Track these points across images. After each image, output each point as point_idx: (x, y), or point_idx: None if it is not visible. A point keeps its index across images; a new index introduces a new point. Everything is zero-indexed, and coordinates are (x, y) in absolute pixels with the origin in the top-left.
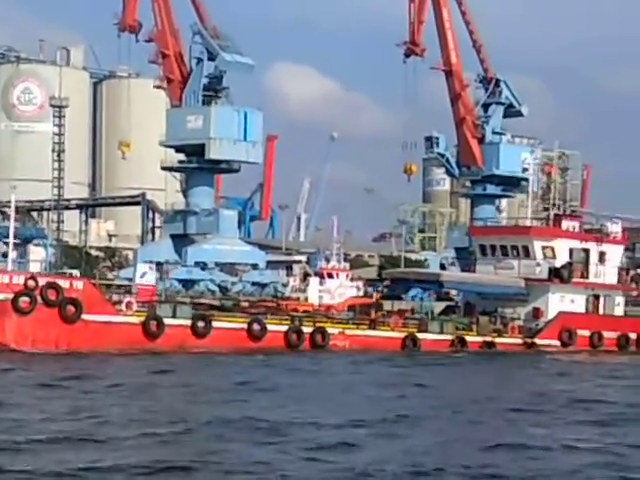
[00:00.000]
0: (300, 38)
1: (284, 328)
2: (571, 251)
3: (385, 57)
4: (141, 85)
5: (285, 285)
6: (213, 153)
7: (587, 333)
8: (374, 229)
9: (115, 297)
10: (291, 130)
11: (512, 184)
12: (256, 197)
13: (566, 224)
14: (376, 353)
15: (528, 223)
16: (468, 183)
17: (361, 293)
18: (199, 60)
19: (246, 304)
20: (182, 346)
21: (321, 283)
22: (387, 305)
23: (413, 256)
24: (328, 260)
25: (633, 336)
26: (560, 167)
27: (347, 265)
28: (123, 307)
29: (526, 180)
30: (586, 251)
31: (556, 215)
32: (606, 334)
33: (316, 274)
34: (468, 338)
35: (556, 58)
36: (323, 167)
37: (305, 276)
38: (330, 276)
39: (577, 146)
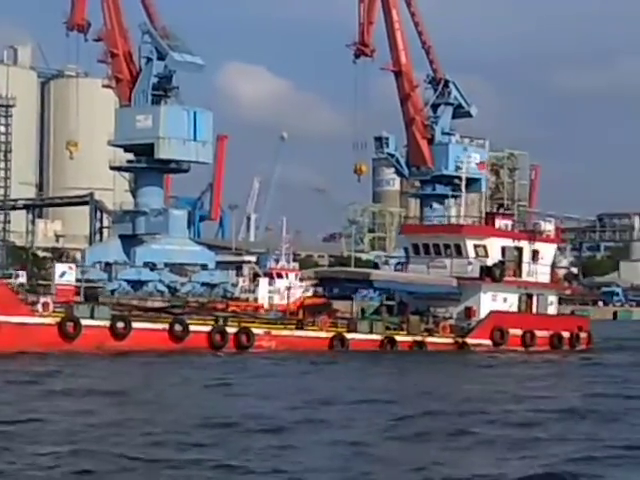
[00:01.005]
0: (252, 38)
1: (207, 329)
2: (503, 250)
3: (336, 57)
4: (90, 84)
5: (235, 285)
6: (162, 153)
7: (519, 332)
8: (324, 229)
9: (33, 298)
10: (242, 130)
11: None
12: (206, 197)
13: (499, 222)
14: (303, 354)
15: (462, 222)
16: (418, 183)
17: (310, 293)
18: (148, 59)
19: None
20: (100, 347)
21: (270, 283)
22: (337, 305)
23: (363, 256)
24: (277, 260)
25: (566, 335)
26: (509, 167)
27: (296, 265)
28: (39, 308)
29: (477, 180)
30: (519, 250)
31: (489, 213)
32: (538, 333)
33: (265, 274)
34: (398, 338)
35: (505, 59)
36: (273, 167)
37: (255, 276)
38: (279, 276)
39: (525, 146)
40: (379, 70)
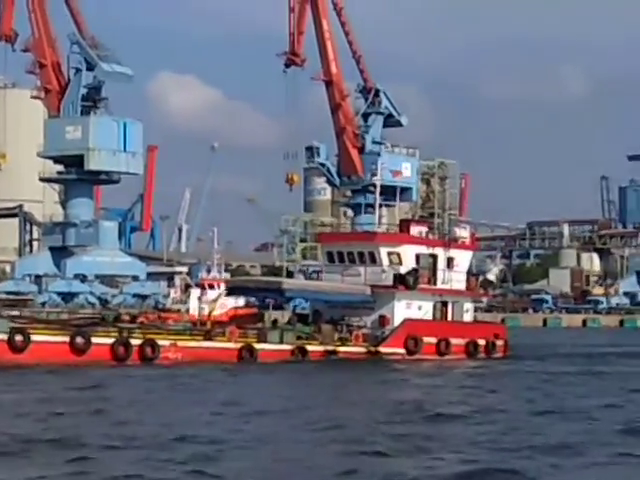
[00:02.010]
0: (182, 47)
1: (110, 341)
2: (418, 257)
3: (266, 67)
4: (17, 95)
5: (166, 296)
6: (92, 164)
7: (434, 340)
8: (256, 239)
9: None
10: (173, 140)
11: (393, 193)
12: (137, 208)
13: (415, 229)
14: (210, 365)
15: (377, 229)
16: (349, 192)
17: (242, 303)
18: (77, 70)
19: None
20: None
21: (202, 294)
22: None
23: (297, 266)
24: (209, 271)
25: (482, 343)
26: (439, 176)
27: (228, 276)
28: None
29: (408, 189)
30: (434, 257)
31: (403, 220)
32: (454, 341)
33: (197, 285)
34: (309, 347)
35: (436, 68)
36: (204, 177)
37: (186, 287)
38: (211, 287)
39: (458, 155)
40: (310, 80)
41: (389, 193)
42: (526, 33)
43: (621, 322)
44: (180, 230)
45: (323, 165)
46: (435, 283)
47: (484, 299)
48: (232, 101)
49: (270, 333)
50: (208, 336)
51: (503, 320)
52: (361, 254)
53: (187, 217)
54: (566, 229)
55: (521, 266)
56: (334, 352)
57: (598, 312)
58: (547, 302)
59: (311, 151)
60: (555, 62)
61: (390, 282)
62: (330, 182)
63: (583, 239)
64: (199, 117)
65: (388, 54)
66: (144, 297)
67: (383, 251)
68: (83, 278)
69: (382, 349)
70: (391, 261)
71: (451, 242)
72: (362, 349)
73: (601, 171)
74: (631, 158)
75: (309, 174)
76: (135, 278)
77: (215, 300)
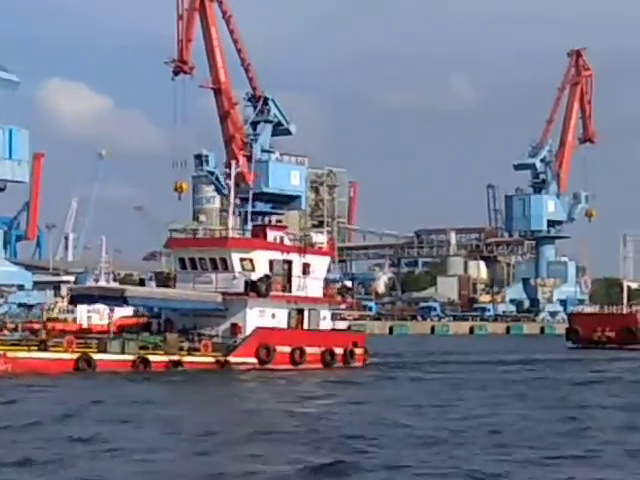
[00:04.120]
0: (71, 54)
1: None
2: (271, 263)
3: (155, 74)
4: None
5: (53, 306)
6: None
7: (287, 349)
8: (144, 248)
9: None
10: (62, 147)
11: (282, 201)
12: (22, 216)
13: (270, 235)
14: (45, 377)
15: (231, 234)
16: (238, 201)
17: (131, 313)
18: None
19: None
20: None
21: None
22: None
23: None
24: (97, 280)
25: (339, 351)
26: (328, 184)
27: (117, 284)
28: None
29: (297, 198)
30: (288, 263)
31: (257, 226)
32: (309, 350)
33: None
34: (152, 358)
35: (328, 78)
36: (92, 185)
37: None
38: None
39: (347, 164)
40: (199, 88)
41: (278, 201)
42: (417, 46)
43: (508, 329)
44: (67, 239)
45: (212, 173)
46: (290, 290)
47: (342, 306)
48: (122, 109)
49: (111, 343)
50: (43, 346)
51: (391, 328)
52: (213, 260)
53: (74, 225)
54: (453, 237)
55: (409, 274)
56: (179, 362)
57: (485, 319)
58: (435, 310)
59: (200, 159)
60: (445, 73)
61: (241, 289)
62: (219, 190)
63: (470, 247)
64: (89, 125)
65: (280, 63)
66: (30, 307)
67: (235, 257)
68: None
69: (232, 359)
70: (243, 267)
71: (307, 248)
72: (210, 359)
73: (488, 180)
74: (517, 167)
75: (198, 182)
76: (21, 287)
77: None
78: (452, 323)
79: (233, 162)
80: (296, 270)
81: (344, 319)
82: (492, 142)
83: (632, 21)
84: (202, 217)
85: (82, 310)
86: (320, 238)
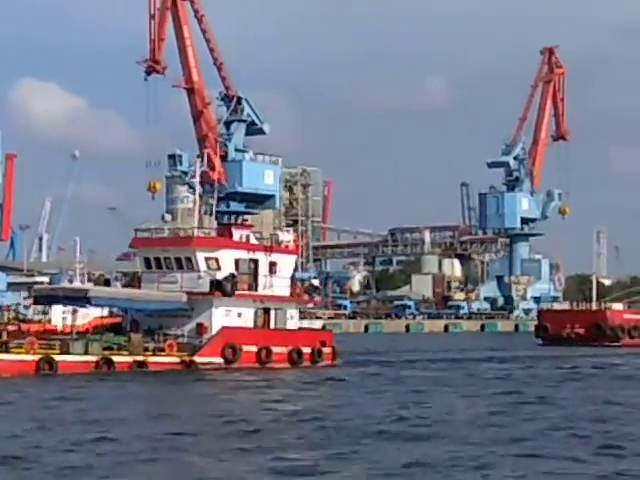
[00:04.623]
0: (43, 54)
1: None
2: (237, 262)
3: (128, 74)
4: None
5: (27, 307)
6: None
7: (254, 349)
8: (118, 248)
9: None
10: (35, 148)
11: (256, 201)
12: None
13: (236, 234)
14: (6, 379)
15: (196, 233)
16: (212, 200)
17: (106, 313)
18: None
19: None
20: None
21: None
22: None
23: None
24: (71, 281)
25: (307, 350)
26: (302, 183)
27: (91, 285)
28: None
29: (271, 197)
30: (255, 262)
31: (222, 225)
32: (276, 349)
33: None
34: (116, 358)
35: (303, 78)
36: (66, 186)
37: None
38: None
39: (322, 163)
40: (172, 87)
41: (252, 201)
42: (390, 46)
43: (482, 327)
44: (41, 240)
45: (185, 173)
46: (256, 289)
47: (309, 305)
48: (95, 109)
49: (74, 344)
50: (4, 348)
51: (367, 326)
52: (178, 260)
53: (48, 226)
54: (427, 236)
55: (384, 272)
56: (144, 363)
57: (460, 317)
58: (410, 308)
59: (174, 159)
60: (420, 72)
61: (206, 289)
62: (193, 190)
63: (444, 245)
64: (62, 125)
65: (253, 63)
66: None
67: (200, 256)
68: None
69: (197, 359)
70: (209, 266)
71: (273, 247)
72: (175, 359)
73: (462, 178)
74: (490, 165)
75: (171, 182)
76: None
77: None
78: (427, 321)
79: (197, 160)
80: (262, 269)
81: (319, 318)
82: (466, 140)
83: (600, 20)
84: (167, 216)
85: (57, 311)
86: (287, 237)
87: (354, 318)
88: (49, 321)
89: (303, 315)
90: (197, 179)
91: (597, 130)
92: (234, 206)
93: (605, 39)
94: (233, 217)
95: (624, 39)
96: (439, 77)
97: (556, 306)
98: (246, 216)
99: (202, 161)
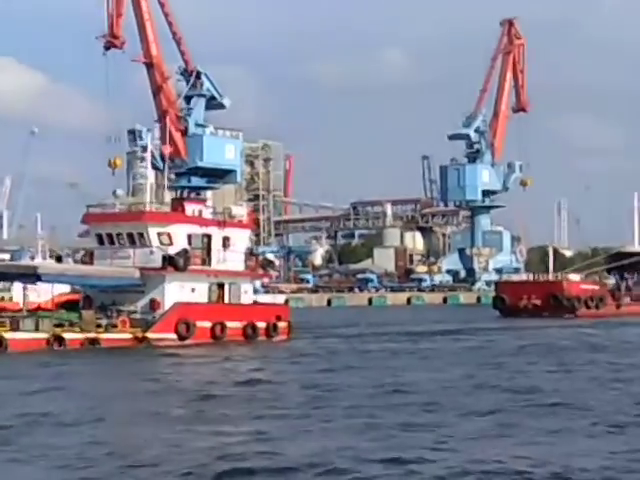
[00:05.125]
0: (2, 30)
1: None
2: (190, 237)
3: (88, 49)
4: None
5: None
6: None
7: (208, 324)
8: (80, 225)
9: None
10: None
11: (217, 175)
12: None
13: (189, 208)
14: None
15: (149, 208)
16: (173, 176)
17: (68, 290)
18: None
19: None
20: None
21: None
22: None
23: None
24: (33, 257)
25: (262, 325)
26: (263, 158)
27: (53, 262)
28: None
29: (232, 172)
30: (208, 236)
31: (175, 199)
32: (230, 324)
33: None
34: (67, 335)
35: (262, 47)
36: (25, 163)
37: None
38: None
39: (283, 137)
40: (131, 62)
41: (213, 175)
42: (350, 21)
43: (444, 299)
44: (1, 217)
45: (145, 148)
46: (210, 264)
47: (265, 280)
48: (54, 84)
49: (24, 321)
50: None
51: (329, 300)
52: (130, 235)
53: (8, 203)
54: (389, 209)
55: (346, 246)
56: (96, 340)
57: (422, 290)
58: (372, 281)
59: (134, 134)
60: (379, 47)
61: (158, 264)
62: (154, 166)
63: (406, 218)
64: (20, 101)
65: (214, 35)
66: None
67: (152, 231)
68: None
69: (150, 335)
70: (161, 242)
71: (226, 221)
72: (128, 335)
73: (423, 151)
74: (451, 137)
75: (132, 158)
76: None
77: None
78: (389, 294)
79: (149, 134)
80: (216, 244)
81: (282, 292)
82: (427, 113)
83: None
84: (119, 191)
85: (18, 288)
86: (240, 211)
87: (317, 292)
88: (11, 299)
89: (267, 290)
90: (149, 153)
91: (557, 101)
92: (195, 181)
93: (567, 10)
94: (195, 192)
95: (586, 11)
96: (399, 50)
97: (514, 277)
98: (208, 191)
99: (155, 135)
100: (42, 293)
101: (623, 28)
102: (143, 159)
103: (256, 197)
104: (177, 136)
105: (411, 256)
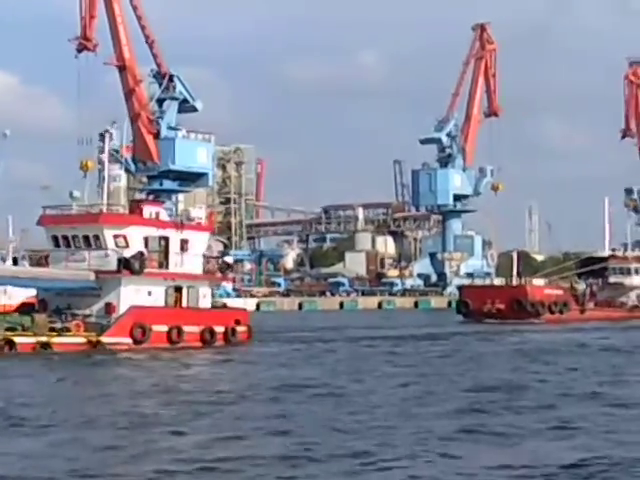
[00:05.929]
0: None
1: None
2: (146, 239)
3: (60, 52)
4: None
5: None
6: None
7: (164, 328)
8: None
9: None
10: None
11: (189, 179)
12: None
13: (146, 210)
14: None
15: (104, 210)
16: (145, 179)
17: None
18: None
19: None
20: None
21: None
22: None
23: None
24: (4, 260)
25: (220, 329)
26: (235, 161)
27: (26, 264)
28: None
29: (204, 175)
30: (165, 239)
31: (133, 201)
32: (187, 329)
33: None
34: (18, 339)
35: (234, 49)
36: None
37: None
38: None
39: (255, 140)
40: (103, 65)
41: (185, 179)
42: (324, 23)
43: (416, 303)
44: None
45: (117, 151)
46: (167, 267)
47: (225, 283)
48: (26, 86)
49: None
50: None
51: (301, 304)
52: (86, 237)
53: None
54: (361, 213)
55: (318, 250)
56: (48, 344)
57: (393, 294)
58: (344, 285)
59: (104, 137)
60: (353, 49)
61: (114, 267)
62: (125, 168)
63: (378, 222)
64: None
65: (187, 38)
66: None
67: (108, 234)
68: None
69: (105, 339)
70: (117, 244)
71: (184, 224)
72: (82, 340)
73: (395, 155)
74: (423, 142)
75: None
76: None
77: None
78: (360, 298)
79: (107, 134)
80: (173, 246)
81: (253, 296)
82: (399, 117)
83: None
84: (76, 193)
85: None
86: (199, 213)
87: (288, 296)
88: None
89: (238, 294)
90: (106, 154)
91: (529, 104)
92: (167, 184)
93: (538, 13)
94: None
95: (558, 13)
96: (371, 53)
97: (477, 282)
98: (179, 194)
99: (112, 135)
100: (13, 296)
101: (593, 32)
102: (100, 161)
103: (228, 201)
104: (149, 139)
105: (382, 260)
